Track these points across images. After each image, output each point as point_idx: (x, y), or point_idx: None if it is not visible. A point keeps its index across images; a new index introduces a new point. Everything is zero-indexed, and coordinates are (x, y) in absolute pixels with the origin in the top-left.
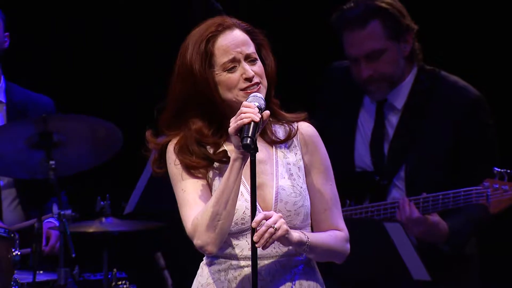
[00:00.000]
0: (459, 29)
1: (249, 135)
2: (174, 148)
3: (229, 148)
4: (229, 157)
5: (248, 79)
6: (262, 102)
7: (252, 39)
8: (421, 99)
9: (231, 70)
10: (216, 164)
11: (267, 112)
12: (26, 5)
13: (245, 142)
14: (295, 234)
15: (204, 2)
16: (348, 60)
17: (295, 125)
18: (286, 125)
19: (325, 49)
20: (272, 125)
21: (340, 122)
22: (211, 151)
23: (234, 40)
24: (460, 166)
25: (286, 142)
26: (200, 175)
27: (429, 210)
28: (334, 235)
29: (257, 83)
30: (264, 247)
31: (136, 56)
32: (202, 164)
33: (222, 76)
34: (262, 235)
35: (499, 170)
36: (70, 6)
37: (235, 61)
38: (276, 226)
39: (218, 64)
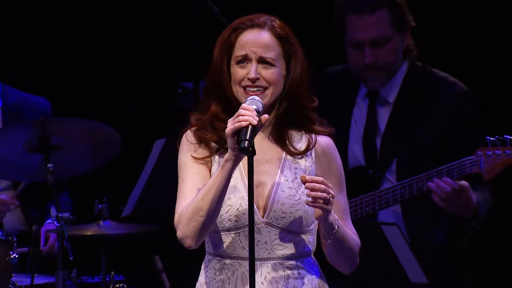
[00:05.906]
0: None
1: (247, 138)
2: (190, 132)
3: None
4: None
5: (250, 80)
6: (260, 106)
7: (282, 46)
8: (411, 94)
9: (241, 65)
10: (220, 158)
11: (266, 116)
12: (25, 6)
13: (242, 145)
14: (332, 217)
15: (201, 6)
16: (350, 45)
17: (313, 136)
18: (304, 134)
19: (324, 50)
20: (289, 131)
21: (333, 123)
22: (223, 135)
23: (256, 39)
24: (449, 158)
25: (304, 154)
26: (204, 166)
27: (423, 188)
28: (354, 238)
29: (261, 87)
30: (313, 203)
31: (135, 59)
32: (215, 139)
33: (233, 68)
34: (319, 195)
35: (491, 138)
36: (69, 7)
37: (246, 58)
38: (332, 199)
39: (233, 56)
